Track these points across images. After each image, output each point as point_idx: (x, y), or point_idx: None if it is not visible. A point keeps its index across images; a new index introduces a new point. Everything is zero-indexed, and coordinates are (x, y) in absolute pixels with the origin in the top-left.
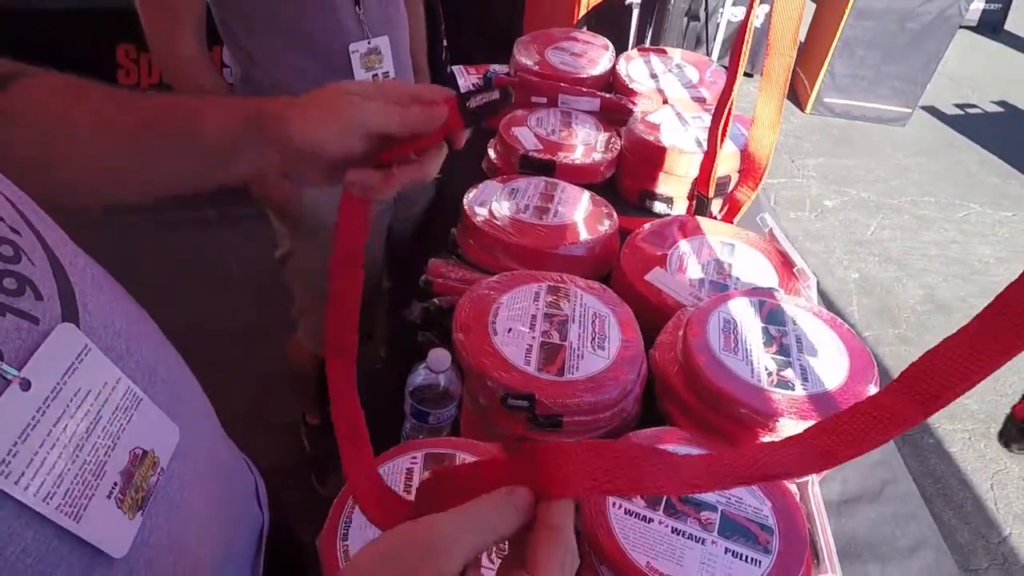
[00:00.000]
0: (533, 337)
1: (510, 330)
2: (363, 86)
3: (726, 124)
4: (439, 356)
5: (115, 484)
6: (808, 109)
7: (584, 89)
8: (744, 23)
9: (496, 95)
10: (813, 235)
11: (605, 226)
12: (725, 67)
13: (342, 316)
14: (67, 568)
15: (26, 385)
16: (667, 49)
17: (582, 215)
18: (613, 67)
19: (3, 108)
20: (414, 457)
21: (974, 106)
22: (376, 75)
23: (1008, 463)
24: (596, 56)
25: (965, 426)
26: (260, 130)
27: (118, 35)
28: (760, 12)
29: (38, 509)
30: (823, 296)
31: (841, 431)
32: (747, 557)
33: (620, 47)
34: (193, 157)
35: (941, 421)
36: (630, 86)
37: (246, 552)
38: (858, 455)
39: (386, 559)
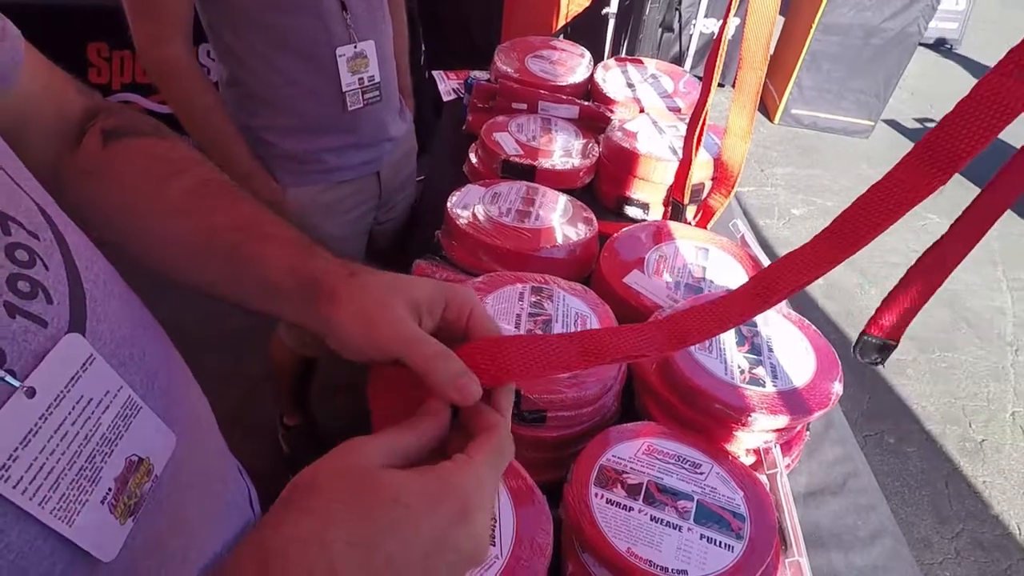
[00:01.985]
0: None
1: None
2: (431, 294)
3: (700, 133)
4: None
5: (109, 490)
6: (776, 120)
7: (563, 97)
8: (718, 37)
9: None
10: (782, 242)
11: (585, 230)
12: (698, 77)
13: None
14: (48, 567)
15: (31, 393)
16: (643, 59)
17: (562, 219)
18: (591, 76)
19: (98, 167)
20: None
21: (932, 120)
22: (362, 78)
23: (961, 462)
24: (574, 65)
25: (922, 427)
26: (307, 302)
27: (89, 33)
28: (732, 25)
29: (32, 512)
30: (791, 300)
31: (692, 319)
32: (721, 543)
33: (596, 56)
34: (250, 285)
35: (900, 422)
36: (608, 94)
37: None
38: (706, 339)
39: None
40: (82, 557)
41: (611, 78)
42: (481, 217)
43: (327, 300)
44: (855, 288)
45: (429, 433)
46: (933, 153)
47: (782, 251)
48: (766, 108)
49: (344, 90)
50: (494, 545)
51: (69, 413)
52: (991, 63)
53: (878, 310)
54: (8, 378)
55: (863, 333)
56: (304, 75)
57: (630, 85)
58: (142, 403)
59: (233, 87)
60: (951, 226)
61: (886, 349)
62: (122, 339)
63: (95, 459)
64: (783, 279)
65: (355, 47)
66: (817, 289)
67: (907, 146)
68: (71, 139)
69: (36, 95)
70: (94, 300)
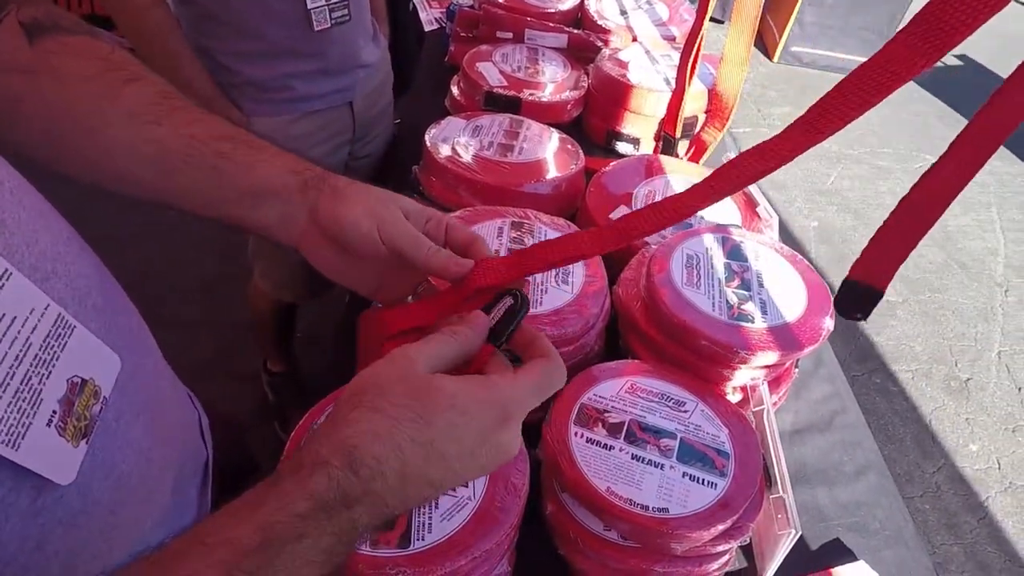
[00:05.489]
0: None
1: None
2: (418, 208)
3: (695, 61)
4: None
5: (54, 412)
6: (776, 58)
7: (552, 25)
8: None
9: (509, 302)
10: (776, 184)
11: (571, 165)
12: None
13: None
14: None
15: None
16: None
17: (548, 153)
18: (582, 2)
19: (32, 66)
20: None
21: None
22: None
23: (946, 401)
24: None
25: (909, 366)
26: (305, 201)
27: None
28: None
29: None
30: (783, 243)
31: (640, 215)
32: (704, 480)
33: None
34: (234, 192)
35: (888, 362)
36: (599, 22)
37: (189, 483)
38: (653, 231)
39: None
40: (32, 480)
41: (603, 5)
42: (461, 151)
43: (333, 196)
44: (849, 231)
45: (469, 343)
46: (926, 28)
47: (775, 194)
48: (765, 45)
49: (309, 7)
50: (466, 486)
51: None
52: None
53: (864, 252)
54: None
55: (846, 279)
56: None
57: (623, 12)
58: (75, 322)
59: (186, 4)
60: (939, 159)
61: (870, 298)
62: (41, 253)
63: (31, 380)
64: (744, 168)
65: None
66: (811, 232)
67: (908, 86)
68: None
69: None
70: (1, 209)
